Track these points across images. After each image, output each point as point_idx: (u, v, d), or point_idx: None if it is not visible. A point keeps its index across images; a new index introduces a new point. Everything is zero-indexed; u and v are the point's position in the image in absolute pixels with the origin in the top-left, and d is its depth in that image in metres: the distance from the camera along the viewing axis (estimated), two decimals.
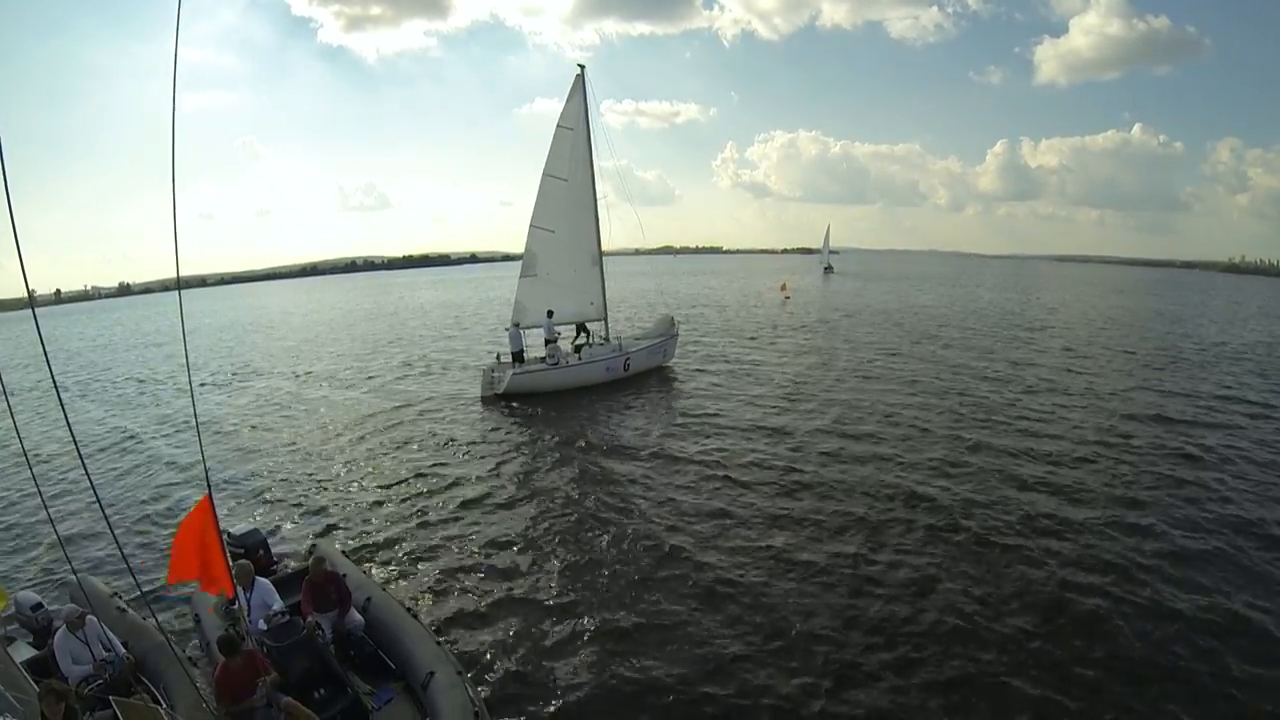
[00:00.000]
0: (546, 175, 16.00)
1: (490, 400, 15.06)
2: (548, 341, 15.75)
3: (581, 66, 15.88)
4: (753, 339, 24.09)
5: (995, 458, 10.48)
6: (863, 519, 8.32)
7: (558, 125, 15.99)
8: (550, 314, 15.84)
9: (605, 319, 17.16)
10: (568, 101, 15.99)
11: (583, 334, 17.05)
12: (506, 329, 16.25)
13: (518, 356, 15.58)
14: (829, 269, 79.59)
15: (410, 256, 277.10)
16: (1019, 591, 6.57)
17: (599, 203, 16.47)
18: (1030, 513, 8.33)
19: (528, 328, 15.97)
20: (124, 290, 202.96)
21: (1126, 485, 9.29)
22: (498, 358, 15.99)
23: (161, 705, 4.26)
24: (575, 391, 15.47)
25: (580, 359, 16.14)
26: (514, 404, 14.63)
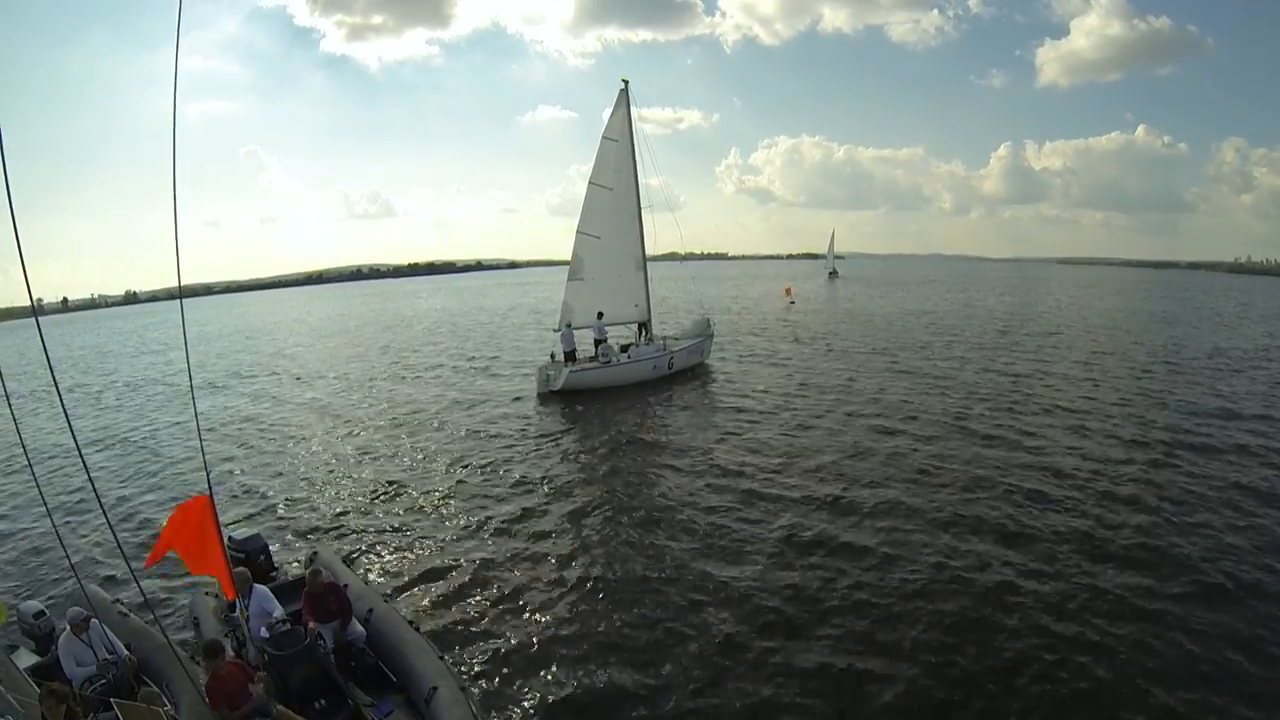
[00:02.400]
0: (592, 184, 16.93)
1: (546, 396, 15.90)
2: (598, 342, 16.64)
3: (625, 81, 16.84)
4: (766, 341, 24.96)
5: (1013, 470, 10.11)
6: (883, 520, 8.37)
7: (603, 137, 16.93)
8: (600, 315, 16.74)
9: (649, 320, 18.05)
10: (612, 114, 16.93)
11: (644, 333, 17.99)
12: (555, 330, 17.19)
13: (570, 355, 16.45)
14: (834, 274, 79.68)
15: (415, 264, 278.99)
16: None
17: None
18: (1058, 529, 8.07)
19: (578, 328, 16.82)
20: (130, 298, 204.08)
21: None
22: (551, 356, 16.84)
23: (165, 706, 4.26)
24: (624, 388, 16.33)
25: (629, 358, 17.00)
26: (565, 401, 15.45)
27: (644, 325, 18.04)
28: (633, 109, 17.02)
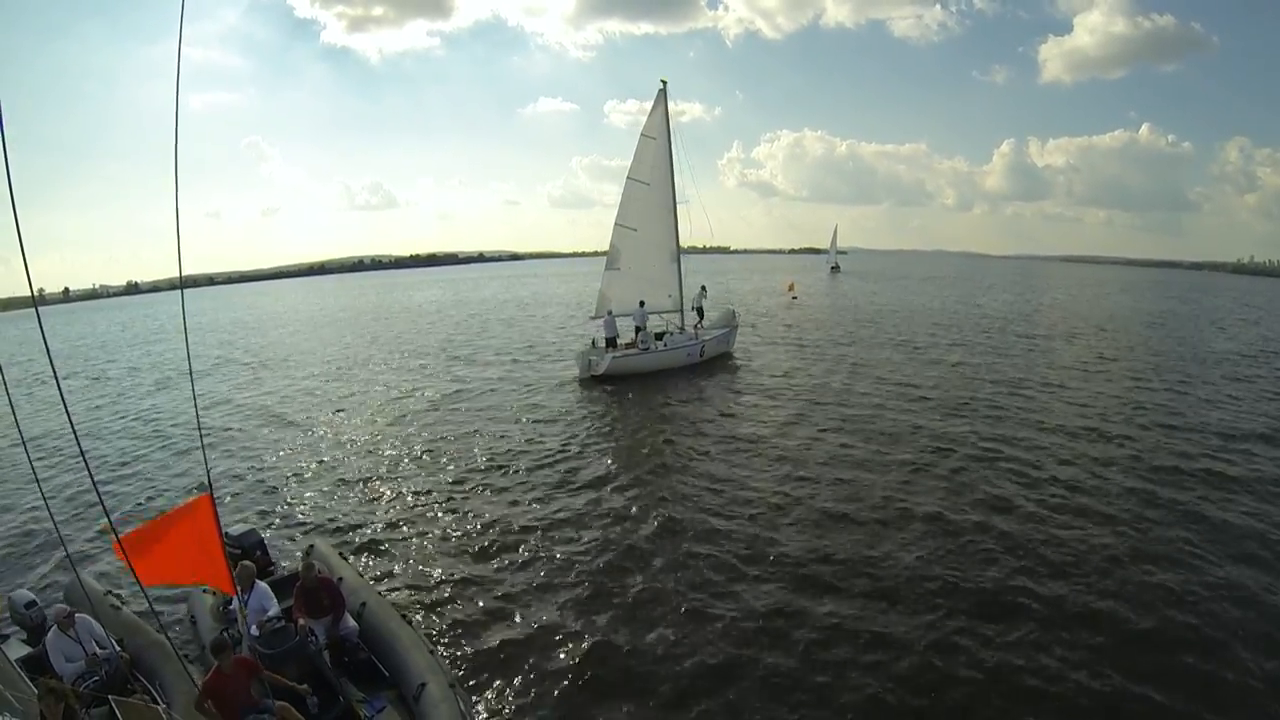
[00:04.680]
0: (630, 179, 17.69)
1: (586, 381, 16.73)
2: (638, 329, 17.49)
3: (664, 81, 17.62)
4: (776, 334, 25.63)
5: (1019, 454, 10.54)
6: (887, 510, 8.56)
7: (641, 134, 17.68)
8: (641, 304, 17.63)
9: (682, 310, 18.90)
10: (651, 113, 17.69)
11: (700, 317, 19.36)
12: (592, 318, 18.10)
13: (611, 342, 17.32)
14: (836, 269, 79.98)
15: (417, 256, 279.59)
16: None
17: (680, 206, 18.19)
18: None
19: (619, 315, 17.64)
20: (132, 289, 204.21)
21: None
22: (592, 343, 17.69)
23: (159, 703, 4.24)
24: (660, 373, 17.20)
25: (665, 345, 17.86)
26: (605, 385, 16.24)
27: (700, 310, 19.33)
28: (670, 105, 17.78)
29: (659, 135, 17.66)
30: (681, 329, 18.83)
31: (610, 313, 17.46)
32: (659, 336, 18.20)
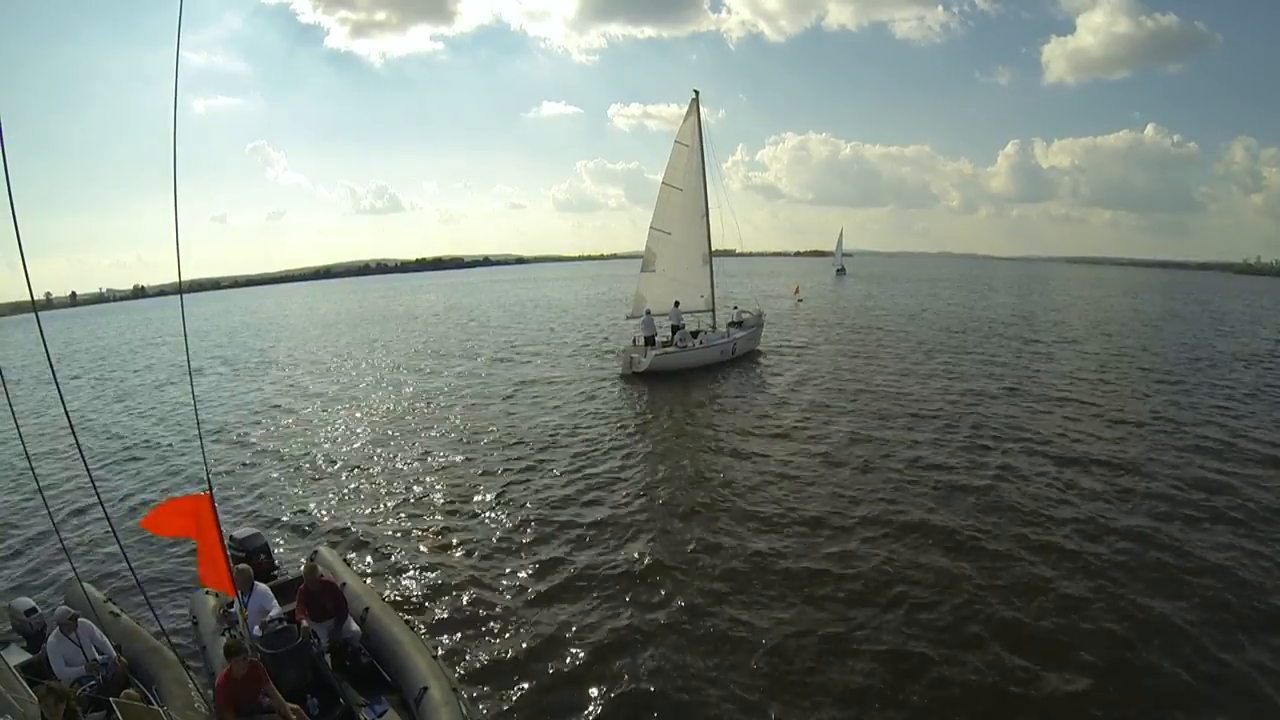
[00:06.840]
0: (665, 185, 18.52)
1: (629, 377, 17.43)
2: (675, 328, 18.29)
3: (696, 91, 18.44)
4: (789, 336, 26.20)
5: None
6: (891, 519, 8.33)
7: (675, 141, 18.52)
8: (677, 304, 18.46)
9: (713, 310, 19.70)
10: (684, 121, 18.49)
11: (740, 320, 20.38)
12: (629, 317, 18.94)
13: (649, 340, 18.09)
14: (841, 271, 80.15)
15: (423, 260, 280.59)
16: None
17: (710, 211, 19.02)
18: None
19: (658, 315, 18.43)
20: (138, 293, 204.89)
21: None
22: (634, 341, 18.46)
23: (155, 706, 4.26)
24: (696, 369, 17.92)
25: (700, 344, 18.64)
26: (647, 381, 16.90)
27: (739, 322, 20.31)
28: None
29: (692, 142, 18.45)
30: (714, 328, 19.64)
31: (648, 312, 18.26)
32: (694, 335, 18.98)
